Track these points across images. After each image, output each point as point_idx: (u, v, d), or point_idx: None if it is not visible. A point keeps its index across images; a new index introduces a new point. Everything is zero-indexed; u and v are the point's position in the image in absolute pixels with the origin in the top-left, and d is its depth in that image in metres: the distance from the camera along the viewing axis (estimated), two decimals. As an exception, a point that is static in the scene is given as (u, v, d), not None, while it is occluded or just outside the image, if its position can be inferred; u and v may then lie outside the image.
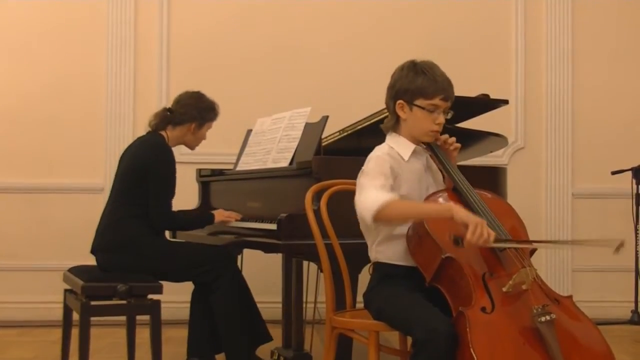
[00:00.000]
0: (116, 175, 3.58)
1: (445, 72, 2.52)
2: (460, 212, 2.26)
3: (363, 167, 2.50)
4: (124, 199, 3.46)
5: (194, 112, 3.62)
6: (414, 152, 2.54)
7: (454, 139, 2.59)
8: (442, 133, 2.57)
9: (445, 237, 2.32)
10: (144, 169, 3.43)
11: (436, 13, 5.38)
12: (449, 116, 2.54)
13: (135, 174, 3.45)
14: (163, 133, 3.60)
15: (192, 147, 3.75)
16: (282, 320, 3.86)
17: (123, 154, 3.63)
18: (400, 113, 2.53)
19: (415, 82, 2.48)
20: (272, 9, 5.30)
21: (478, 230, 2.21)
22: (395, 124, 2.57)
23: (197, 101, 3.65)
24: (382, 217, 2.34)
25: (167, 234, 3.78)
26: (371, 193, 2.37)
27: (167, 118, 3.62)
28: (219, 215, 3.60)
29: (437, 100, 2.48)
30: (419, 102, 2.48)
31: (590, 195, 5.41)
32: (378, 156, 2.49)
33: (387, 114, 2.63)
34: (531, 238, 2.53)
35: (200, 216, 3.72)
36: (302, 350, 3.58)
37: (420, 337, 2.18)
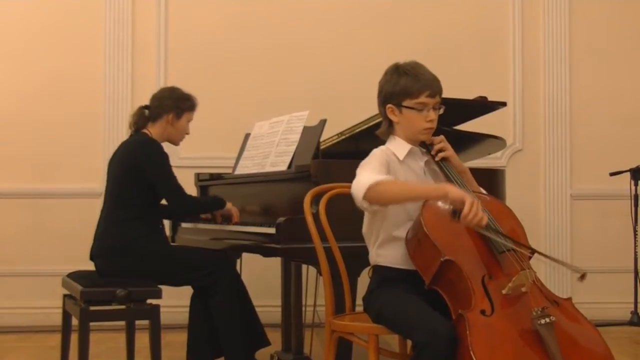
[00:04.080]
0: (108, 180, 3.58)
1: (429, 70, 2.52)
2: (455, 190, 2.28)
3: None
4: (119, 202, 3.46)
5: (168, 102, 3.62)
6: (410, 153, 2.54)
7: (441, 145, 2.56)
8: (438, 135, 2.57)
9: (445, 239, 2.32)
10: (137, 169, 3.43)
11: (434, 16, 5.38)
12: (441, 111, 2.54)
13: (128, 176, 3.45)
14: (145, 131, 3.61)
15: (175, 142, 3.73)
16: (282, 324, 3.86)
17: (111, 159, 3.63)
18: (391, 117, 2.53)
19: (399, 84, 2.49)
20: (271, 12, 5.30)
21: (474, 207, 2.23)
22: (390, 128, 2.57)
23: (171, 92, 3.67)
24: (373, 195, 2.31)
25: (166, 235, 3.77)
26: (365, 174, 2.37)
27: (144, 115, 3.63)
28: (229, 204, 3.61)
29: (423, 98, 2.48)
30: (406, 102, 2.49)
31: (588, 197, 5.41)
32: (374, 153, 2.51)
33: (385, 117, 2.63)
34: (530, 240, 2.52)
35: (214, 198, 3.73)
36: (301, 354, 3.58)
37: (420, 340, 2.18)
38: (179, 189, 3.48)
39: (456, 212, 2.28)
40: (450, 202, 2.30)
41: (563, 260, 2.62)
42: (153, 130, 3.61)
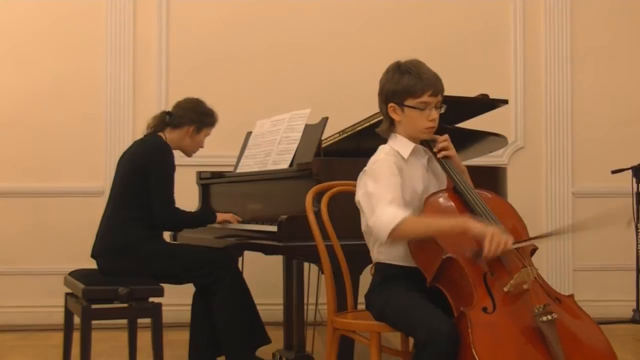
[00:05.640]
0: (115, 179, 3.58)
1: (431, 68, 2.51)
2: (474, 226, 2.25)
3: (366, 169, 2.50)
4: (124, 201, 3.46)
5: (192, 115, 3.63)
6: (414, 151, 2.53)
7: (445, 144, 2.54)
8: (441, 133, 2.57)
9: (446, 238, 2.32)
10: (143, 169, 3.43)
11: (436, 14, 5.38)
12: (443, 110, 2.53)
13: (135, 175, 3.45)
14: (161, 134, 3.61)
15: (189, 154, 3.75)
16: (284, 322, 3.86)
17: (121, 157, 3.63)
18: (393, 116, 2.53)
19: (402, 83, 2.48)
20: (271, 12, 5.31)
21: (495, 240, 2.21)
22: (391, 126, 2.57)
23: (196, 105, 3.68)
24: (397, 235, 2.33)
25: (167, 236, 3.77)
26: (385, 211, 2.34)
27: (165, 120, 3.63)
28: (221, 215, 3.61)
29: (425, 97, 2.47)
30: (408, 102, 2.48)
31: (590, 195, 5.40)
32: (382, 159, 2.48)
33: (386, 115, 2.63)
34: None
35: (204, 214, 3.75)
36: (303, 352, 3.58)
37: (422, 338, 2.18)
38: (171, 201, 3.46)
39: (478, 254, 2.25)
40: (471, 236, 2.26)
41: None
42: (170, 136, 3.61)
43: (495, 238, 2.21)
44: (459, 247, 2.30)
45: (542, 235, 2.41)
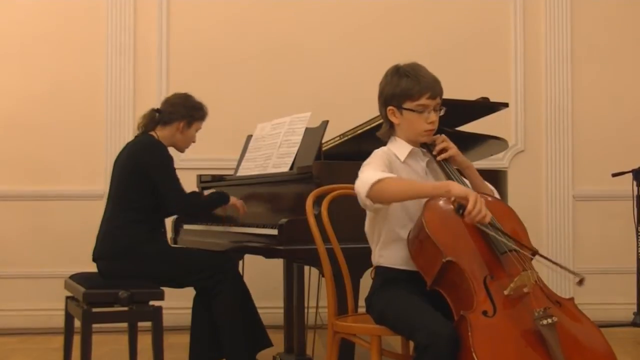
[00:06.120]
0: (112, 181, 3.59)
1: (430, 71, 2.52)
2: (458, 187, 2.29)
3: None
4: (122, 204, 3.47)
5: (182, 110, 3.63)
6: (411, 154, 2.54)
7: (443, 145, 2.55)
8: (438, 133, 2.57)
9: (446, 240, 2.32)
10: (141, 169, 3.44)
11: (436, 17, 5.39)
12: (442, 113, 2.54)
13: (132, 177, 3.46)
14: (152, 133, 3.61)
15: (181, 149, 3.75)
16: (284, 325, 3.86)
17: (116, 159, 3.63)
18: (392, 119, 2.54)
19: (400, 86, 2.49)
20: (272, 15, 5.31)
21: (478, 204, 2.24)
22: (391, 129, 2.58)
23: (185, 100, 3.67)
24: (376, 193, 2.32)
25: (168, 239, 3.77)
26: (368, 172, 2.39)
27: (155, 118, 3.63)
28: (233, 198, 3.62)
29: (424, 100, 2.48)
30: (407, 104, 2.49)
31: (591, 198, 5.41)
32: (377, 153, 2.52)
33: (386, 118, 2.63)
34: (532, 241, 2.51)
35: (218, 194, 3.70)
36: (304, 355, 3.58)
37: (422, 341, 2.18)
38: (181, 190, 3.48)
39: (460, 208, 2.29)
40: (454, 199, 2.30)
41: (562, 263, 2.60)
42: (161, 133, 3.61)
43: (479, 202, 2.25)
44: (457, 247, 2.31)
45: (524, 246, 2.38)
